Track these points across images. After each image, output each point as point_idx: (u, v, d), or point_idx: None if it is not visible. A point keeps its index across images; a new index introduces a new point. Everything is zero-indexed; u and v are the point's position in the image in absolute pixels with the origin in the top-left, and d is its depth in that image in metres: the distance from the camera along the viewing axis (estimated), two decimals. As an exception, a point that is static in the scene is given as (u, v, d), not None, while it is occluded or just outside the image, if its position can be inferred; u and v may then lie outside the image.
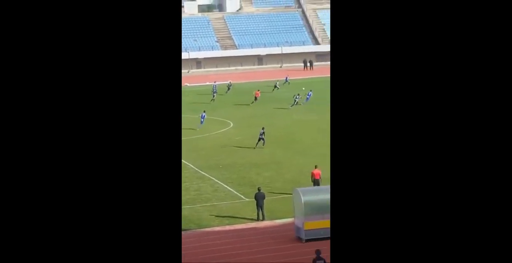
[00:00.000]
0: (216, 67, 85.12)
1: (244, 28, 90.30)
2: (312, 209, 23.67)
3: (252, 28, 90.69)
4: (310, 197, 24.02)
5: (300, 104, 54.35)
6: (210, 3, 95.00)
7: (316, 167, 29.55)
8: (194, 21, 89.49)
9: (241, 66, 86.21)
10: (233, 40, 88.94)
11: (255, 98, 57.61)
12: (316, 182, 28.93)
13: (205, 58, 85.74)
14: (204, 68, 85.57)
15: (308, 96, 56.03)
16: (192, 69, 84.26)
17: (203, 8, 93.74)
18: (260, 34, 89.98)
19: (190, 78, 74.42)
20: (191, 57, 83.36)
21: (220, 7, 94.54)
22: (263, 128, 40.73)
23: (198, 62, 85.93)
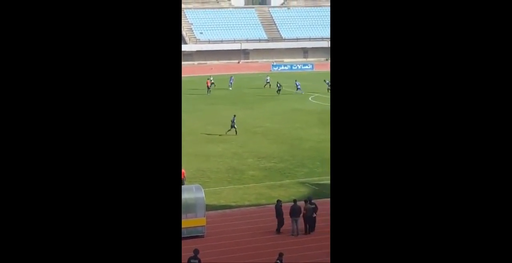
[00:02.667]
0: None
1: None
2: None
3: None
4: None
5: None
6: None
7: (180, 166, 29.54)
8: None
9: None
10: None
11: (208, 87, 60.62)
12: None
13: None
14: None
15: (297, 85, 60.68)
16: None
17: None
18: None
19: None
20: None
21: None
22: (234, 116, 42.51)
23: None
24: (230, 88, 63.99)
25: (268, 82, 64.87)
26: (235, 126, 42.08)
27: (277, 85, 60.90)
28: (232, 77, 66.29)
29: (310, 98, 58.87)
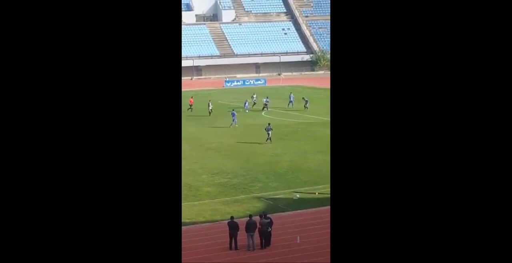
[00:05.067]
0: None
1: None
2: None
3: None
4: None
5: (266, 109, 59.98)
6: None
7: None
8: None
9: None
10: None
11: (190, 106, 59.93)
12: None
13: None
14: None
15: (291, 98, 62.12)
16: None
17: None
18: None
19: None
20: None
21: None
22: (269, 124, 44.69)
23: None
24: (247, 111, 61.51)
25: (255, 102, 63.97)
26: (270, 133, 43.89)
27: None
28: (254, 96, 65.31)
29: (263, 113, 59.14)
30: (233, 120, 51.64)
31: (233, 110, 54.48)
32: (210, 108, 58.92)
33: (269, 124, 45.34)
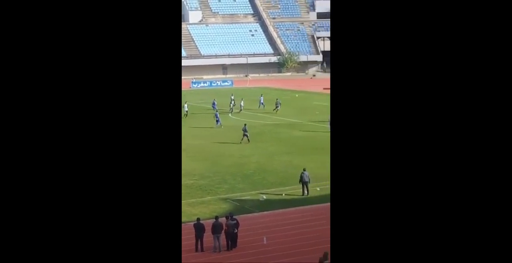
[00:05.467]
0: None
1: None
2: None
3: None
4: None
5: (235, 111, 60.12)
6: None
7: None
8: None
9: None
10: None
11: None
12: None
13: None
14: None
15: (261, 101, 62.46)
16: None
17: None
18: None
19: None
20: None
21: None
22: (245, 125, 45.13)
23: None
24: (217, 112, 56.19)
25: (233, 103, 62.64)
26: (247, 134, 44.36)
27: (276, 103, 60.44)
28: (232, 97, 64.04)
29: (230, 115, 59.10)
30: (218, 122, 51.79)
31: (216, 111, 54.64)
32: (186, 110, 58.40)
33: (245, 124, 45.80)
